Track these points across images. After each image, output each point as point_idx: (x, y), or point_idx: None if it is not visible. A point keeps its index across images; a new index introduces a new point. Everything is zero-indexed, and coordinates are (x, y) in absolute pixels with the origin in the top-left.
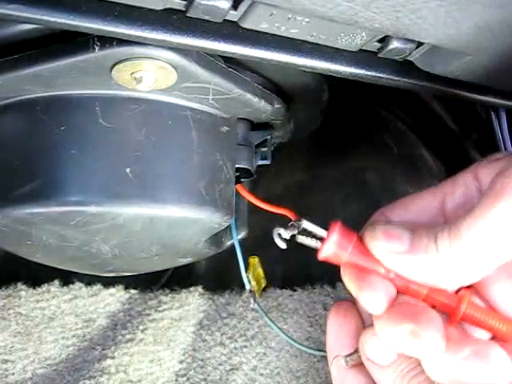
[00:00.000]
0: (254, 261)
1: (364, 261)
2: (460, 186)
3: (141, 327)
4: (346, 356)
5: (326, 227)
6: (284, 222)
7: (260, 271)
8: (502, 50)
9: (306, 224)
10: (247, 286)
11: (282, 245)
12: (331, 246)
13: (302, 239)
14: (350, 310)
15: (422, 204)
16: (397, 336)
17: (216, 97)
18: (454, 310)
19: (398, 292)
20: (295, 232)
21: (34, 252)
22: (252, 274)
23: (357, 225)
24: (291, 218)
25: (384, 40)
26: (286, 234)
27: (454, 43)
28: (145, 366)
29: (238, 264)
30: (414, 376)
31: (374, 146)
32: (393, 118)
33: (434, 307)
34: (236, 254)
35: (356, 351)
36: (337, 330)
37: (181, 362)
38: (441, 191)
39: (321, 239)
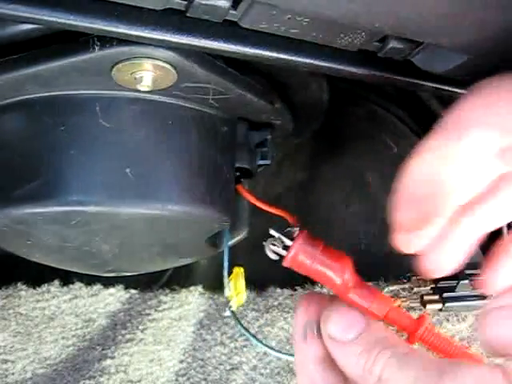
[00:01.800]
0: (239, 271)
1: (327, 270)
2: None
3: (141, 327)
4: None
5: (326, 227)
6: (282, 224)
7: (242, 283)
8: (501, 50)
9: (273, 232)
10: (226, 293)
11: (274, 256)
12: (295, 254)
13: (270, 249)
14: (316, 297)
15: None
16: None
17: (216, 97)
18: (412, 334)
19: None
20: (288, 243)
21: (34, 252)
22: (233, 283)
23: (357, 224)
24: (289, 221)
25: (384, 40)
26: (279, 243)
27: (454, 43)
28: (145, 366)
29: (229, 266)
30: (381, 350)
31: (374, 145)
32: (393, 118)
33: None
34: (230, 254)
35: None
36: (302, 314)
37: (181, 361)
38: None
39: (287, 248)
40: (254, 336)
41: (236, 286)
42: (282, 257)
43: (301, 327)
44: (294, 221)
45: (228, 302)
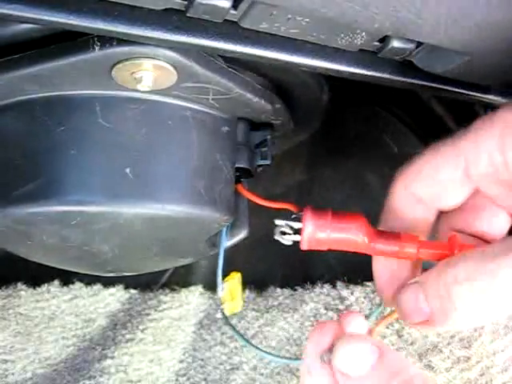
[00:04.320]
0: (235, 275)
1: (345, 234)
2: (484, 155)
3: (141, 327)
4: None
5: None
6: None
7: (238, 289)
8: (502, 49)
9: (279, 222)
10: (219, 293)
11: (288, 242)
12: (309, 233)
13: (282, 236)
14: (329, 325)
15: (447, 175)
16: None
17: (216, 97)
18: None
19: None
20: (298, 226)
21: (34, 252)
22: (229, 287)
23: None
24: (293, 210)
25: (384, 40)
26: (289, 230)
27: (454, 43)
28: (145, 366)
29: (224, 265)
30: None
31: (374, 146)
32: (393, 118)
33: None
34: (225, 254)
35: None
36: (313, 345)
37: (181, 361)
38: (462, 158)
39: (298, 231)
40: (241, 336)
41: (231, 291)
42: (296, 242)
43: (311, 358)
44: (298, 208)
45: (221, 303)
